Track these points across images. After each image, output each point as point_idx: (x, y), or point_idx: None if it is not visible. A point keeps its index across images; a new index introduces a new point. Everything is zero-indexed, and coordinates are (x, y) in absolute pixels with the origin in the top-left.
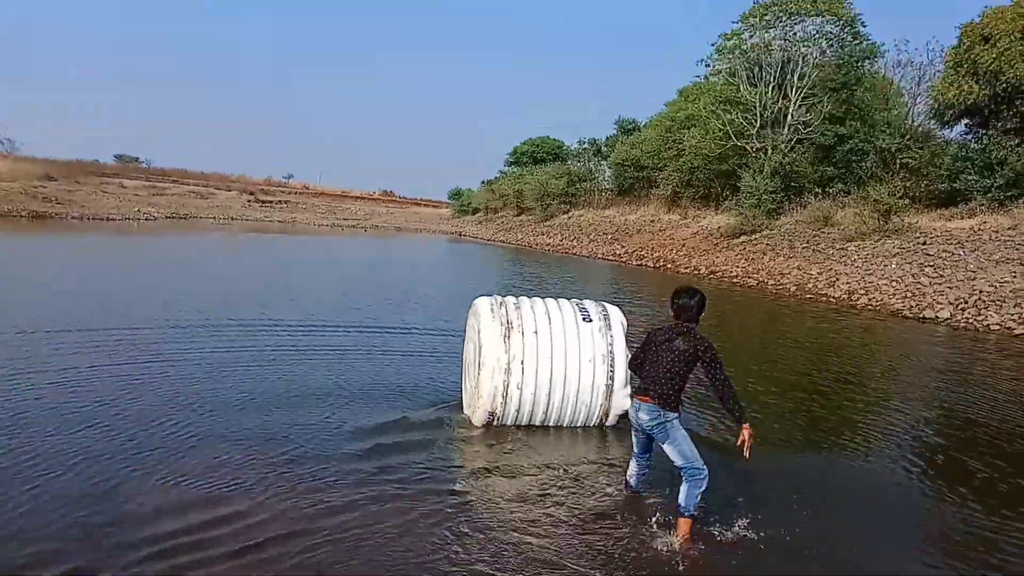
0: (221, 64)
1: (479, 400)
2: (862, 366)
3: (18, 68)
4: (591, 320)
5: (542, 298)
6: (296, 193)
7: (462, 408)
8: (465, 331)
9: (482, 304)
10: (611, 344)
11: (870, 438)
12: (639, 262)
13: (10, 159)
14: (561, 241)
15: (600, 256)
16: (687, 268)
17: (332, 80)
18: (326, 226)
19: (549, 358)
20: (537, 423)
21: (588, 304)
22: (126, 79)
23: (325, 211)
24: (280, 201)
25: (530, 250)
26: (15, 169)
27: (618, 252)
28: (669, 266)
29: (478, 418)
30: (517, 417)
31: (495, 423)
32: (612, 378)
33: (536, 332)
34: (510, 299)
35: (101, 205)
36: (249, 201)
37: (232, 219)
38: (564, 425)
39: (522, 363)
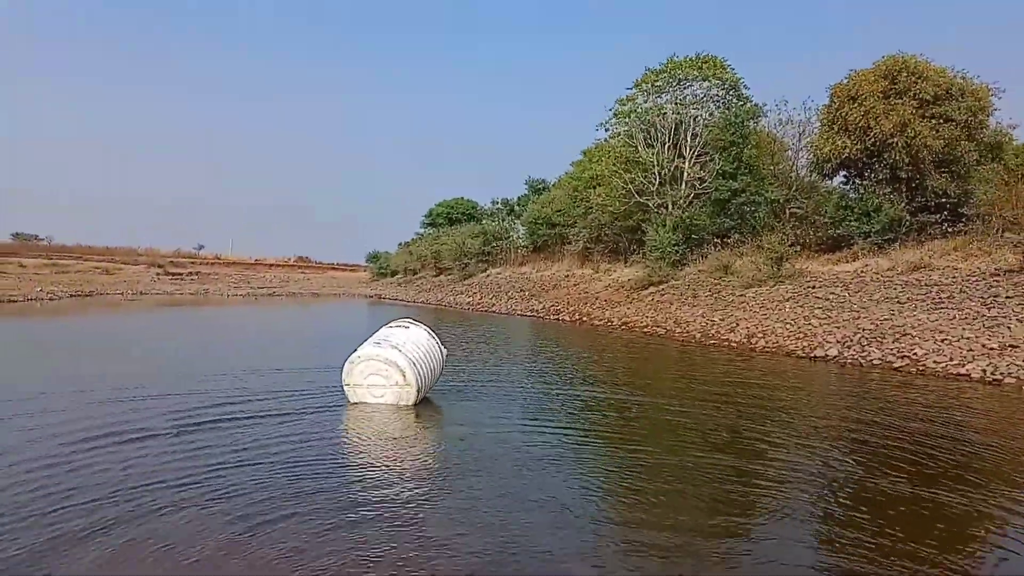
0: (122, 133)
1: (411, 388)
2: (767, 397)
3: None
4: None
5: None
6: (207, 263)
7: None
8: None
9: (378, 352)
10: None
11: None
12: (556, 316)
13: None
14: (481, 299)
15: (519, 312)
16: (601, 320)
17: (240, 146)
18: (240, 295)
19: (424, 356)
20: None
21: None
22: (18, 153)
23: (238, 280)
24: (191, 273)
25: (450, 309)
26: None
27: (536, 308)
28: (585, 319)
29: (415, 399)
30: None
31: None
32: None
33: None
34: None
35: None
36: (158, 274)
37: (141, 293)
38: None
39: (415, 364)
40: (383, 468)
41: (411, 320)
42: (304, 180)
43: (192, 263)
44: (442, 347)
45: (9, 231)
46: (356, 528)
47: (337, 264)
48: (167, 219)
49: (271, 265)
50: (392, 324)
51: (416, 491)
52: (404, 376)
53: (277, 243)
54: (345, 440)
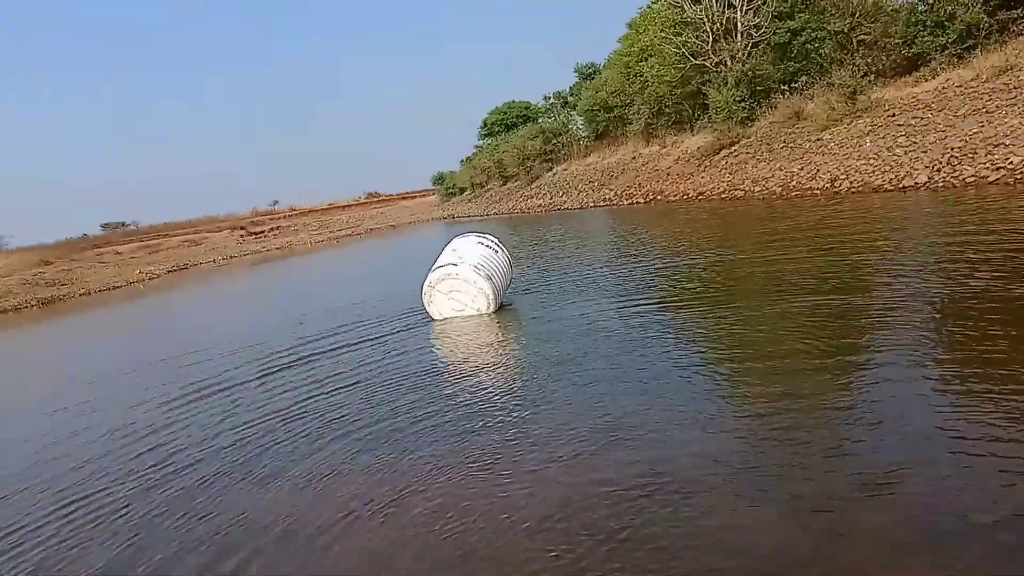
0: (177, 110)
1: (491, 298)
2: (861, 234)
3: None
4: (496, 249)
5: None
6: (285, 217)
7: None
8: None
9: (462, 271)
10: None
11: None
12: (629, 201)
13: (2, 254)
14: (551, 199)
15: (592, 204)
16: (675, 195)
17: (285, 98)
18: (322, 241)
19: (498, 271)
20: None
21: (490, 239)
22: (93, 151)
23: (317, 227)
24: (272, 229)
25: (523, 215)
26: (10, 263)
27: (608, 196)
28: (659, 197)
29: (494, 306)
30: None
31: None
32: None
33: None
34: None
35: (103, 276)
36: (242, 236)
37: (231, 257)
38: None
39: (489, 277)
40: (490, 370)
41: (476, 233)
42: (356, 120)
43: (271, 219)
44: (508, 253)
45: (98, 223)
46: (482, 430)
47: (406, 193)
48: (238, 184)
49: (344, 206)
50: (476, 239)
51: (530, 385)
52: (488, 304)
53: (346, 184)
54: (450, 349)
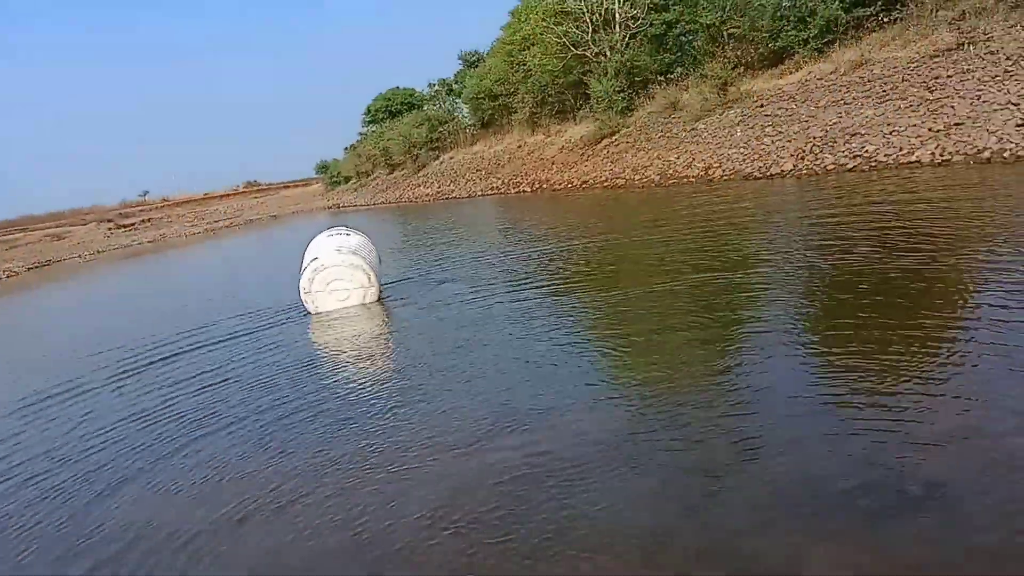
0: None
1: (373, 288)
2: (731, 218)
3: None
4: (347, 233)
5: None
6: (157, 208)
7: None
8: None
9: (327, 259)
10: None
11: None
12: (516, 189)
13: None
14: (439, 188)
15: (479, 193)
16: (560, 183)
17: (164, 82)
18: (197, 233)
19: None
20: None
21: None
22: None
23: (193, 219)
24: (143, 220)
25: (411, 204)
26: None
27: (495, 184)
28: (545, 185)
29: (375, 278)
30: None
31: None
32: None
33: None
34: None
35: None
36: (110, 229)
37: (98, 252)
38: None
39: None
40: (375, 359)
41: (344, 227)
42: (235, 107)
43: (142, 210)
44: (363, 235)
45: None
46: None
47: (288, 183)
48: (104, 174)
49: (222, 196)
50: (327, 233)
51: (416, 374)
52: (369, 278)
53: (224, 174)
54: (333, 340)
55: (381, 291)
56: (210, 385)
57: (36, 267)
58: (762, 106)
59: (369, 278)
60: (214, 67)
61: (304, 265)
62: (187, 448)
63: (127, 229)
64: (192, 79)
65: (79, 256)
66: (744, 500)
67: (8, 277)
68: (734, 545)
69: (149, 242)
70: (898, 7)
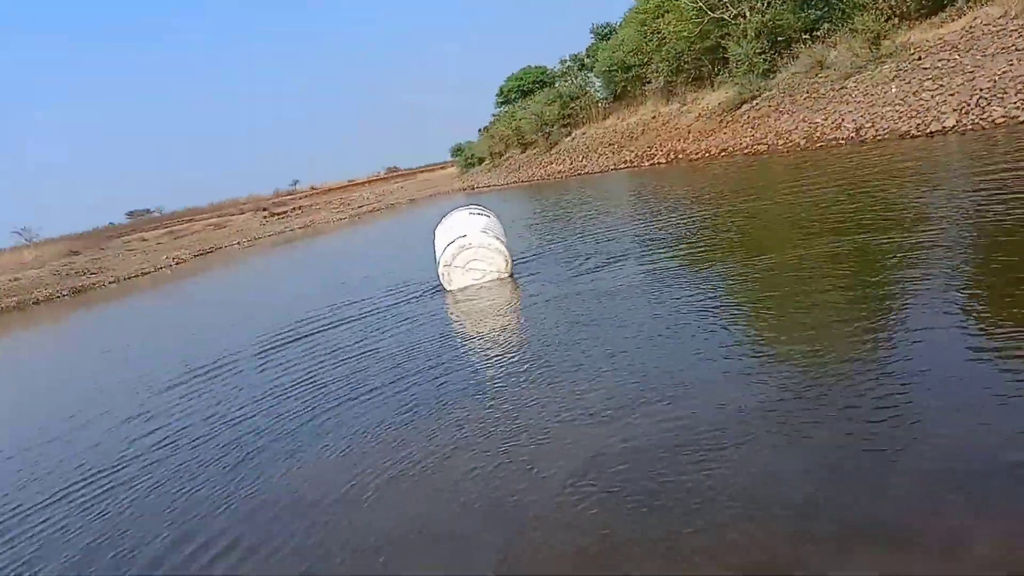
0: (195, 97)
1: (506, 273)
2: (886, 181)
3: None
4: (488, 215)
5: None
6: (306, 196)
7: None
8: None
9: (475, 239)
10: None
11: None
12: (651, 161)
13: (32, 246)
14: (571, 164)
15: (612, 167)
16: (697, 153)
17: (303, 77)
18: (344, 219)
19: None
20: None
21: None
22: (107, 141)
23: (339, 205)
24: (294, 208)
25: (544, 182)
26: (41, 254)
27: (628, 158)
28: (680, 156)
29: (511, 264)
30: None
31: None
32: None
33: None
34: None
35: (130, 263)
36: (265, 218)
37: (255, 239)
38: None
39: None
40: (512, 332)
41: (463, 207)
42: (369, 95)
43: (292, 199)
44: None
45: (123, 211)
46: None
47: (425, 166)
48: (258, 165)
49: (364, 182)
50: (467, 211)
51: (555, 347)
52: (507, 263)
53: (366, 160)
54: (475, 315)
55: (513, 272)
56: (365, 352)
57: (201, 254)
58: (920, 59)
59: (507, 263)
60: (362, 58)
61: (450, 240)
62: (348, 408)
63: (280, 217)
64: (346, 70)
65: (238, 243)
66: (902, 471)
67: (177, 264)
68: (891, 518)
69: (300, 228)
70: None
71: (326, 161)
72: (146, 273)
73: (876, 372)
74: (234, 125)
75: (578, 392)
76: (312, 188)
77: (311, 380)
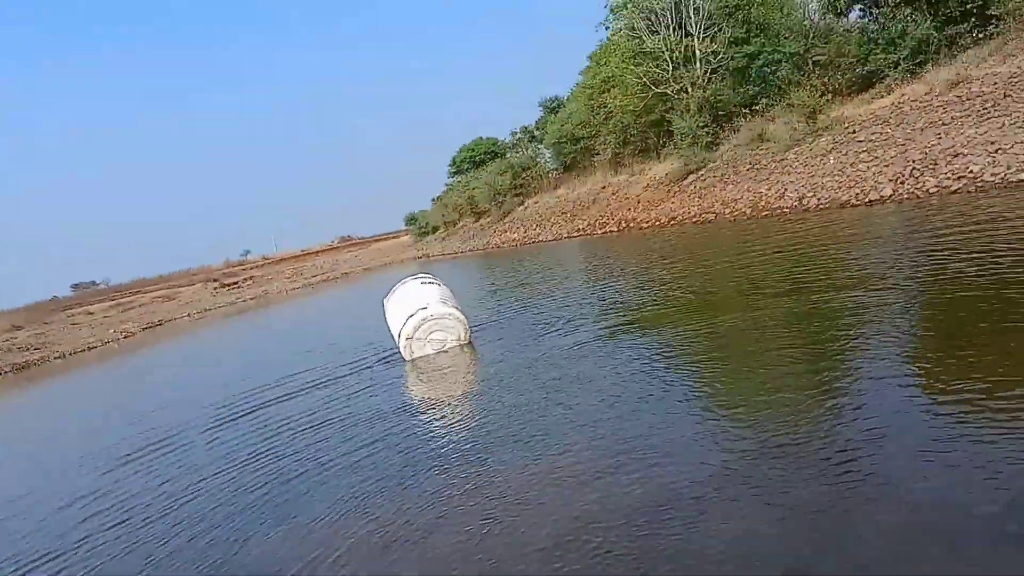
0: (142, 165)
1: (464, 331)
2: (830, 246)
3: None
4: (438, 283)
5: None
6: (258, 266)
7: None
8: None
9: (435, 310)
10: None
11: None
12: (603, 230)
13: None
14: (525, 232)
15: (565, 235)
16: (647, 221)
17: (255, 145)
18: (297, 288)
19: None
20: None
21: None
22: (53, 212)
23: (291, 274)
24: (246, 279)
25: (498, 250)
26: None
27: (581, 227)
28: (631, 224)
29: (467, 336)
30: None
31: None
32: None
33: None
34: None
35: (76, 338)
36: (216, 289)
37: (206, 310)
38: None
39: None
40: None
41: (412, 277)
42: (324, 169)
43: (244, 269)
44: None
45: (67, 283)
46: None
47: (379, 235)
48: (206, 235)
49: (318, 252)
50: (419, 280)
51: (524, 406)
52: (466, 332)
53: (318, 230)
54: (436, 384)
55: (471, 340)
56: (323, 423)
57: (150, 327)
58: (854, 132)
59: (466, 331)
60: (305, 126)
61: (410, 312)
62: (328, 479)
63: (231, 288)
64: (283, 139)
65: (188, 315)
66: (877, 528)
67: (125, 337)
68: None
69: (252, 299)
70: (993, 22)
71: (278, 231)
72: (93, 348)
73: (838, 427)
74: (182, 194)
75: (555, 453)
76: (264, 258)
77: (270, 451)
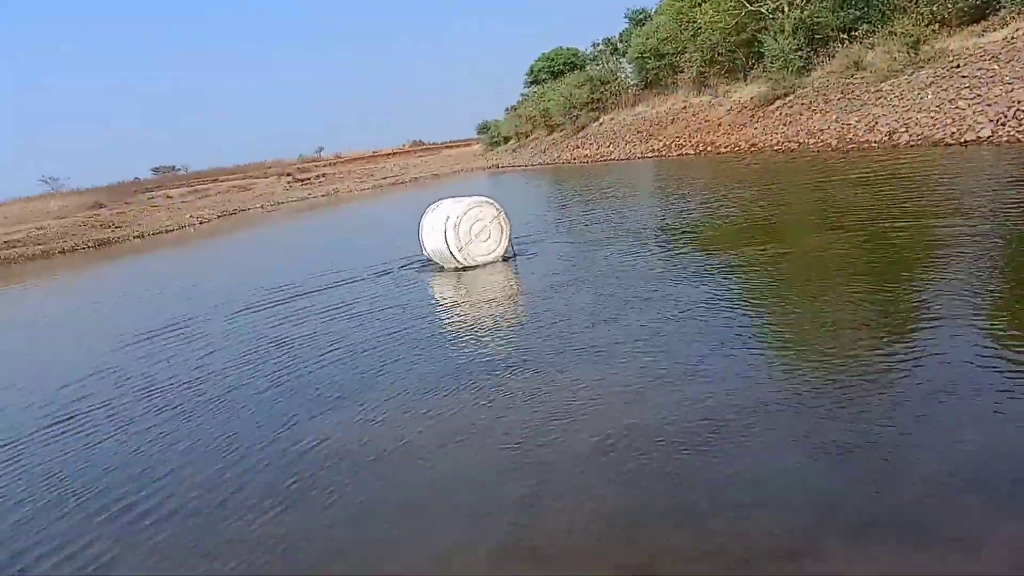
0: (219, 57)
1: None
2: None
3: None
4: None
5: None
6: (330, 164)
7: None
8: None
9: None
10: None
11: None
12: (679, 152)
13: (58, 196)
14: (598, 150)
15: (639, 156)
16: (727, 146)
17: (331, 49)
18: (367, 189)
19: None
20: None
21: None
22: (139, 94)
23: (362, 175)
24: (318, 176)
25: (568, 166)
26: (66, 204)
27: (656, 147)
28: (710, 148)
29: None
30: None
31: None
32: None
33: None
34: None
35: (154, 219)
36: (289, 183)
37: (279, 203)
38: None
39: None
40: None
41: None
42: (400, 67)
43: (316, 166)
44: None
45: (148, 167)
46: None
47: (450, 142)
48: (284, 130)
49: (388, 155)
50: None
51: (585, 326)
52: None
53: (391, 132)
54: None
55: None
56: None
57: (225, 215)
58: (959, 66)
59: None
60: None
61: (461, 214)
62: (389, 365)
63: (304, 183)
64: (366, 46)
65: (261, 207)
66: (920, 471)
67: (201, 224)
68: (909, 515)
69: (323, 196)
70: None
71: (350, 130)
72: (170, 231)
73: (892, 366)
74: (262, 85)
75: (601, 370)
76: (337, 156)
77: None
